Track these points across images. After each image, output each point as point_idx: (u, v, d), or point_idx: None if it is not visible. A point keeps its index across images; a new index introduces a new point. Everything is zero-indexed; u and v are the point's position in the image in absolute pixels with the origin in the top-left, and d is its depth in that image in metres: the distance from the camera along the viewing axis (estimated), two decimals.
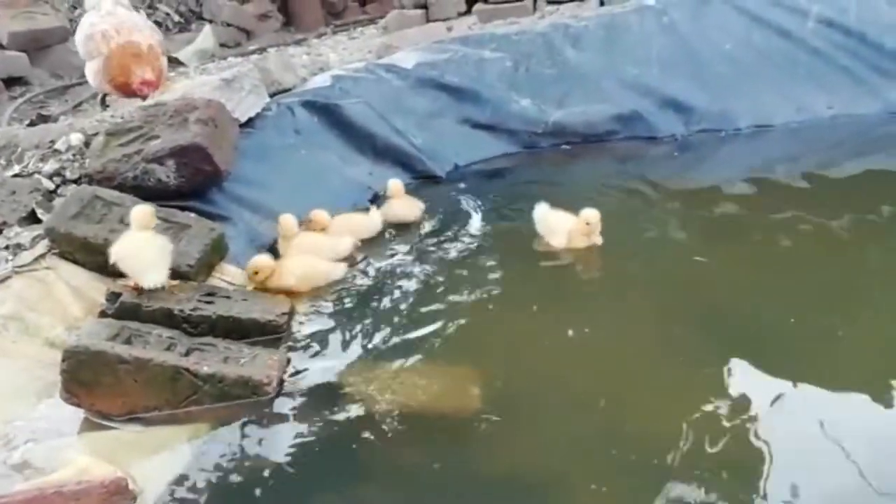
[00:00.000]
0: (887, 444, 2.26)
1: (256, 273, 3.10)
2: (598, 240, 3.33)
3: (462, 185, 4.17)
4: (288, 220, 3.40)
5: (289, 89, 4.30)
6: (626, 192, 4.05)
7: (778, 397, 2.45)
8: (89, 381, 2.46)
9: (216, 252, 3.16)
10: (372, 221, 3.60)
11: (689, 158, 4.45)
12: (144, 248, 2.82)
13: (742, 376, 2.57)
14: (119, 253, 2.81)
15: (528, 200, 4.02)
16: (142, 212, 2.88)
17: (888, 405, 2.42)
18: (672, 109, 4.60)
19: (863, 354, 2.63)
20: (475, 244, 3.52)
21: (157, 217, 2.94)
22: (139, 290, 2.81)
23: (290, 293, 3.09)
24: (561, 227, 3.33)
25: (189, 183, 3.29)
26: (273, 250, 3.41)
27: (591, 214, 3.30)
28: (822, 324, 2.79)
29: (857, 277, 3.16)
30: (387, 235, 3.64)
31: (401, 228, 3.69)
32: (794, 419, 2.37)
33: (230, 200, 3.48)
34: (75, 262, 3.01)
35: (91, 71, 4.22)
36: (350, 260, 3.37)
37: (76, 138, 3.72)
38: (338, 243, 3.39)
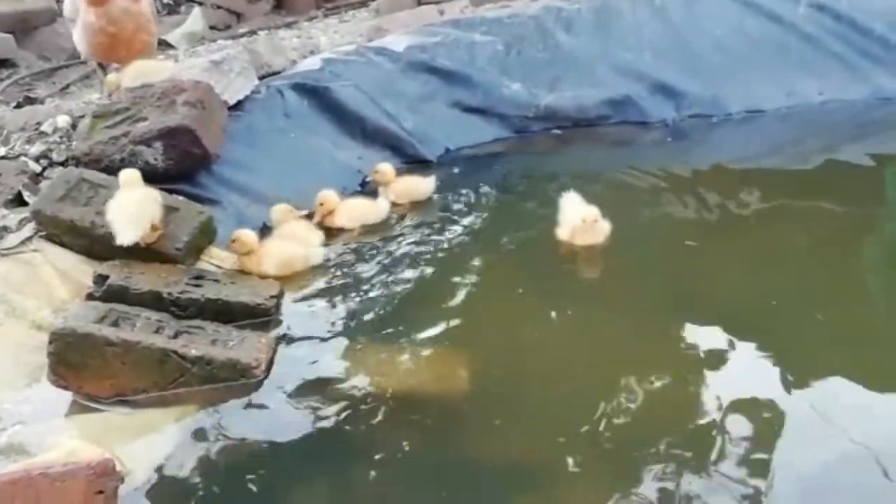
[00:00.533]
0: (877, 427, 2.29)
1: (234, 241, 3.09)
2: (599, 238, 3.21)
3: (453, 170, 4.15)
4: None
5: (279, 72, 4.27)
6: (618, 178, 4.04)
7: (771, 384, 2.47)
8: (77, 363, 2.46)
9: (205, 235, 3.15)
10: (379, 207, 3.57)
11: (681, 144, 4.45)
12: (120, 207, 2.86)
13: (733, 362, 2.59)
14: (107, 216, 2.87)
15: (519, 185, 4.05)
16: (126, 175, 2.94)
17: (876, 388, 2.45)
18: (663, 95, 4.59)
19: (852, 340, 2.66)
20: (466, 229, 3.51)
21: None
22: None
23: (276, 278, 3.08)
24: (567, 220, 3.27)
25: (177, 165, 3.27)
26: (261, 234, 3.40)
27: (588, 213, 3.20)
28: (814, 310, 2.81)
29: (847, 264, 3.18)
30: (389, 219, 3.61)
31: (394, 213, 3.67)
32: (786, 404, 2.39)
33: (219, 183, 3.46)
34: (62, 244, 2.99)
35: (77, 34, 4.13)
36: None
37: (63, 120, 3.69)
38: (309, 236, 3.33)
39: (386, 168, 3.78)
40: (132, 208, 2.88)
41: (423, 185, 3.77)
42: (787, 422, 2.30)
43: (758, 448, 2.20)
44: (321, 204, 3.48)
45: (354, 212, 3.53)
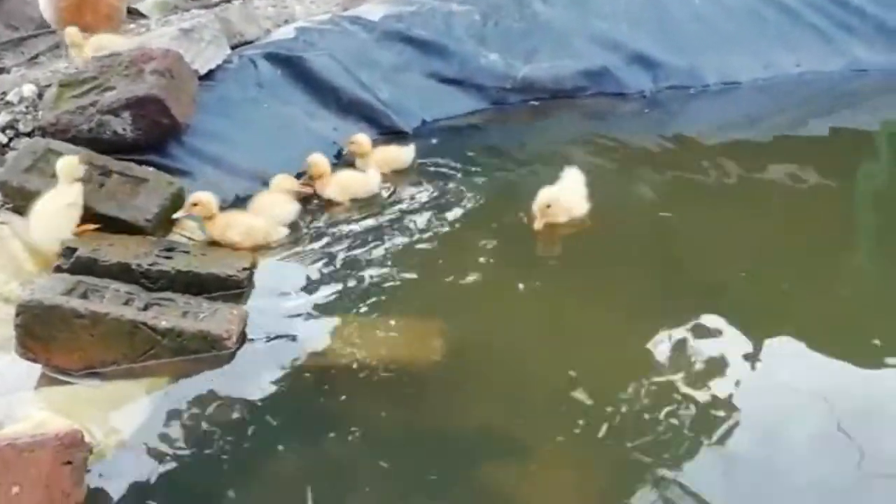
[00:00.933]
0: (842, 393, 2.34)
1: (195, 205, 3.04)
2: (563, 218, 3.18)
3: (430, 142, 4.12)
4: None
5: (251, 41, 4.20)
6: (595, 149, 4.04)
7: (738, 351, 2.52)
8: (44, 335, 2.43)
9: (175, 207, 3.11)
10: (370, 180, 3.52)
11: (658, 115, 4.45)
12: (41, 214, 2.84)
13: (702, 331, 2.63)
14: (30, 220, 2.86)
15: (497, 157, 4.03)
16: (66, 162, 2.88)
17: (843, 357, 2.50)
18: (640, 66, 4.57)
19: (819, 309, 2.71)
20: (442, 201, 3.49)
21: (98, 167, 2.92)
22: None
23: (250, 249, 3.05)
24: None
25: (146, 136, 3.23)
26: (233, 206, 3.37)
27: (546, 196, 3.17)
28: (785, 280, 2.86)
29: (819, 233, 3.22)
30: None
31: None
32: (754, 372, 2.45)
33: (190, 154, 3.42)
34: None
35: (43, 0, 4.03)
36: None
37: (29, 90, 3.61)
38: (283, 210, 3.29)
39: (362, 139, 3.74)
40: (52, 219, 2.82)
41: (403, 154, 3.74)
42: (750, 381, 2.37)
43: (723, 406, 2.26)
44: (311, 168, 3.42)
45: (345, 184, 3.49)
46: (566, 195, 3.23)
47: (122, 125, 3.20)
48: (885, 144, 4.13)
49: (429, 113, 4.31)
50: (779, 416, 2.26)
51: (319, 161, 3.49)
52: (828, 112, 4.48)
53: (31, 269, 2.81)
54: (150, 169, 3.16)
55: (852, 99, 4.58)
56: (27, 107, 3.54)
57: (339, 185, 3.48)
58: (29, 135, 3.37)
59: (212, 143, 3.53)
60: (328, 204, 3.45)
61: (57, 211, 2.84)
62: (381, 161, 3.67)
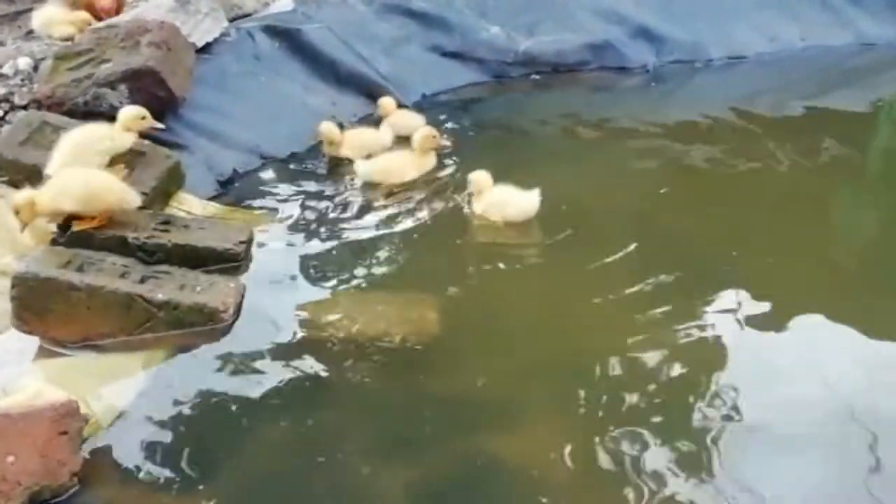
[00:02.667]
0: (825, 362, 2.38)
1: (18, 212, 2.65)
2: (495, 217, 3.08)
3: (430, 116, 4.09)
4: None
5: (249, 14, 4.17)
6: (597, 124, 4.02)
7: (727, 323, 2.55)
8: (40, 308, 2.44)
9: (173, 181, 3.10)
10: (383, 137, 3.60)
11: (662, 90, 4.43)
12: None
13: (701, 305, 2.64)
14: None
15: (497, 131, 4.00)
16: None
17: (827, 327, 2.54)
18: (644, 39, 4.55)
19: (811, 281, 2.74)
20: (441, 175, 3.46)
21: None
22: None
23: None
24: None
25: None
26: (231, 180, 3.38)
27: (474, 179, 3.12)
28: (781, 255, 2.87)
29: (824, 212, 3.22)
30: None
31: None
32: (742, 340, 2.48)
33: (186, 128, 3.41)
34: None
35: None
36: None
37: (24, 62, 3.59)
38: None
39: (388, 101, 3.80)
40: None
41: (415, 120, 3.75)
42: (748, 353, 2.42)
43: (716, 382, 2.28)
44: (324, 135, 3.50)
45: (357, 141, 3.54)
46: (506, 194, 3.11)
47: (118, 98, 3.18)
48: (891, 120, 4.10)
49: (429, 87, 4.29)
50: (765, 382, 2.30)
51: (331, 128, 3.53)
52: (834, 87, 4.44)
53: (27, 243, 2.80)
54: (147, 142, 3.14)
55: (858, 73, 4.54)
56: (23, 80, 3.52)
57: (352, 143, 3.53)
58: (24, 108, 3.35)
59: (208, 116, 3.52)
60: (345, 161, 3.47)
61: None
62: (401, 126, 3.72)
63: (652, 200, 3.27)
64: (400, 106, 3.98)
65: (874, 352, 2.44)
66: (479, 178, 3.13)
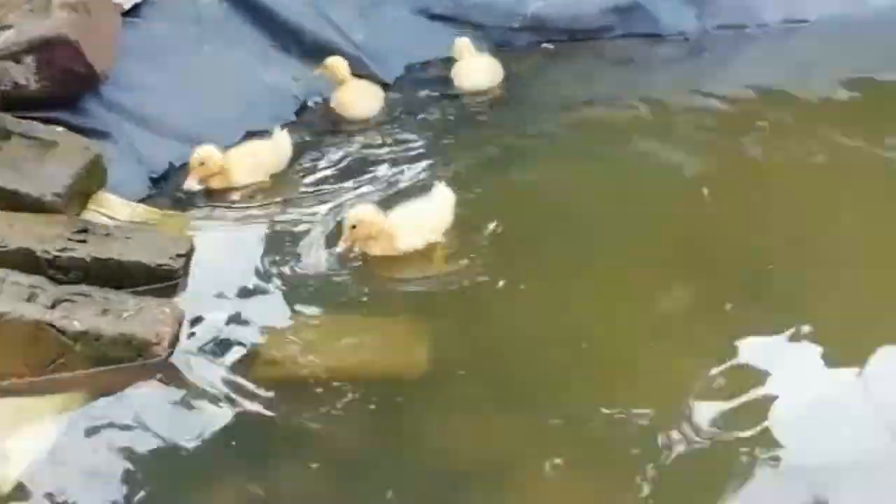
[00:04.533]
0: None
1: (202, 164, 3.21)
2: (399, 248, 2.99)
3: (415, 94, 4.12)
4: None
5: None
6: (620, 105, 4.04)
7: (748, 327, 2.68)
8: None
9: (92, 178, 3.11)
10: (280, 148, 3.50)
11: (703, 62, 4.46)
12: None
13: (719, 321, 2.76)
14: None
15: (496, 112, 4.02)
16: None
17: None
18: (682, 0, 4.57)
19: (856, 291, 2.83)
20: (419, 169, 3.51)
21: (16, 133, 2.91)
22: None
23: None
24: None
25: (55, 87, 3.24)
26: (165, 177, 3.39)
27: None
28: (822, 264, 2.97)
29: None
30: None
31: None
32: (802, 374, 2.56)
33: (110, 111, 3.43)
34: None
35: None
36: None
37: None
38: None
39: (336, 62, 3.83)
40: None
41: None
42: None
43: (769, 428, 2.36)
44: (201, 164, 3.30)
45: (250, 161, 3.41)
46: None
47: (24, 74, 3.20)
48: None
49: (414, 56, 4.30)
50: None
51: (210, 153, 3.33)
52: None
53: None
54: (60, 129, 3.17)
55: None
56: None
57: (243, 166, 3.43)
58: None
59: (138, 97, 3.54)
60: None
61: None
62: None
63: (691, 206, 3.29)
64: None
65: None
66: (365, 217, 2.92)
